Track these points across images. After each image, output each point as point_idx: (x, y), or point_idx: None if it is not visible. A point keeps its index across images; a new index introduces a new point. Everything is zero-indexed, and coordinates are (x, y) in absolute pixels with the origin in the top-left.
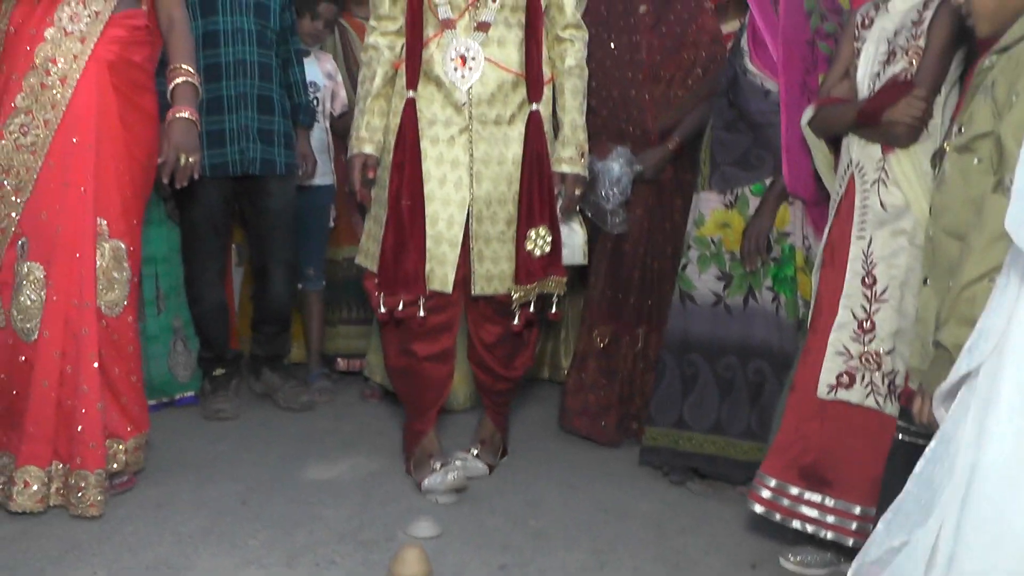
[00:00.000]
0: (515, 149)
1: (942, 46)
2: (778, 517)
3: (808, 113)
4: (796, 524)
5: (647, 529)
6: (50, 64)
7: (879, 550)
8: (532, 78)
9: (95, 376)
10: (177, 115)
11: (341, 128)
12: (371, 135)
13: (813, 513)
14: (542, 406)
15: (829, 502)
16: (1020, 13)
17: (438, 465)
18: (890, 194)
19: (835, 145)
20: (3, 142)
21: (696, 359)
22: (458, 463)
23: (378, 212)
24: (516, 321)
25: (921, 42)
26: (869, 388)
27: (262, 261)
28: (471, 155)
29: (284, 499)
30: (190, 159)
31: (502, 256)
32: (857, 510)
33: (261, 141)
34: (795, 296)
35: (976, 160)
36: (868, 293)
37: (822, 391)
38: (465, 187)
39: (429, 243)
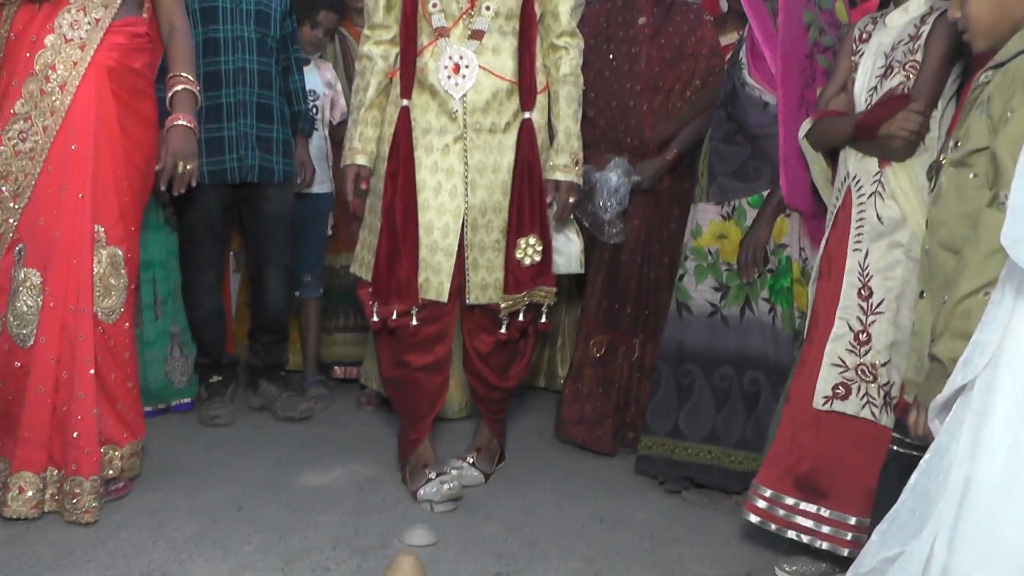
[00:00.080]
0: (510, 157)
1: (939, 61)
2: (773, 527)
3: (806, 126)
4: (791, 534)
5: (642, 538)
6: (50, 70)
7: (873, 560)
8: (525, 86)
9: (91, 382)
10: (175, 122)
11: (340, 136)
12: (364, 146)
13: (808, 523)
14: (538, 415)
15: (824, 512)
16: (1015, 29)
17: (433, 474)
18: (886, 207)
19: (832, 158)
20: (2, 148)
21: (692, 369)
22: (454, 472)
23: (373, 221)
24: (504, 330)
25: (918, 56)
26: (865, 399)
27: (259, 266)
28: (466, 164)
29: (279, 505)
30: (188, 166)
31: (497, 265)
32: (852, 520)
33: (260, 149)
34: (791, 308)
35: (972, 175)
36: (864, 305)
37: (818, 402)
38: (460, 196)
39: (424, 252)
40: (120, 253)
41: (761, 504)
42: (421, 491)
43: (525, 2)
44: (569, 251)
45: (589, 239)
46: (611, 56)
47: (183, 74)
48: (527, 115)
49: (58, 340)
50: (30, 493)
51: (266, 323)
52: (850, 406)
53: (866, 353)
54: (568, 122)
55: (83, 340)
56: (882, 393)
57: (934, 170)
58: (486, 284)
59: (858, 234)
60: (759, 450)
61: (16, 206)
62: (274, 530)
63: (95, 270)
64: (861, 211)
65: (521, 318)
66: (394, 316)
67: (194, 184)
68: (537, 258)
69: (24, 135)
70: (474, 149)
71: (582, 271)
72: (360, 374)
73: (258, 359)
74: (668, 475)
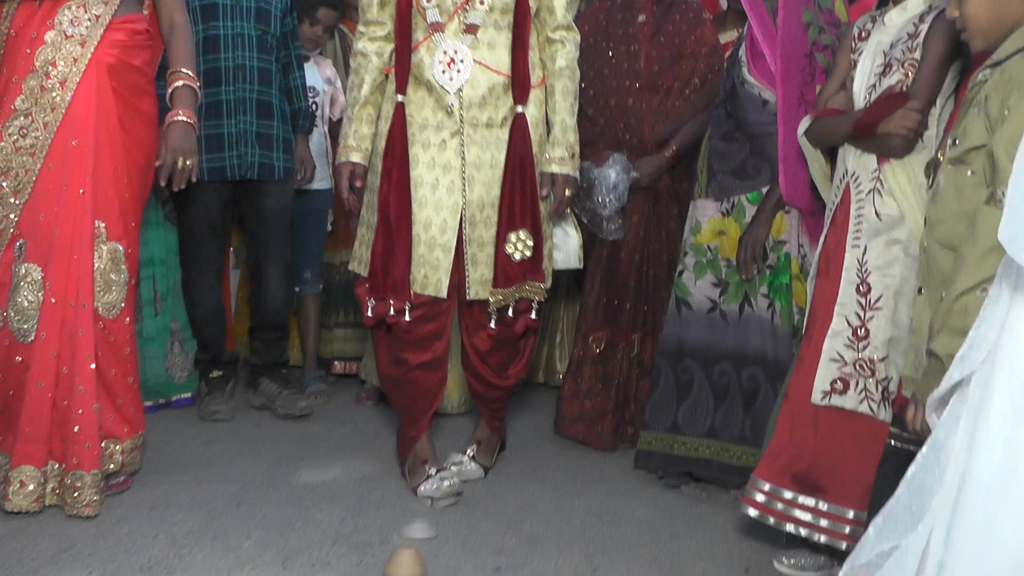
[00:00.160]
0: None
1: (938, 59)
2: (772, 521)
3: (804, 123)
4: (790, 528)
5: (640, 533)
6: (50, 67)
7: (869, 554)
8: (517, 80)
9: (91, 377)
10: (175, 118)
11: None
12: (359, 143)
13: (807, 517)
14: (537, 411)
15: (823, 506)
16: (1013, 28)
17: (433, 471)
18: (885, 204)
19: (831, 155)
20: (2, 144)
21: (691, 365)
22: (453, 468)
23: (371, 218)
24: (492, 325)
25: (917, 55)
26: (863, 394)
27: (259, 263)
28: (463, 159)
29: (278, 501)
30: (188, 162)
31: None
32: (850, 514)
33: (259, 146)
34: (790, 304)
35: (969, 173)
36: (862, 301)
37: (816, 397)
38: (458, 191)
39: (422, 249)
40: (120, 249)
41: (760, 498)
42: (421, 487)
43: None
44: (568, 247)
45: (588, 236)
46: (610, 54)
47: (183, 70)
48: (519, 109)
49: (58, 335)
50: (31, 487)
51: (266, 319)
52: (848, 401)
53: (864, 349)
54: (564, 115)
55: (83, 335)
56: (880, 388)
57: (932, 168)
58: (486, 280)
59: (856, 231)
60: (758, 445)
61: (17, 202)
62: (274, 526)
63: (96, 266)
64: (859, 208)
65: (511, 314)
66: (391, 312)
67: (194, 180)
68: (528, 253)
69: (25, 131)
70: (471, 144)
71: (581, 267)
72: (360, 370)
73: (258, 357)
74: (667, 470)
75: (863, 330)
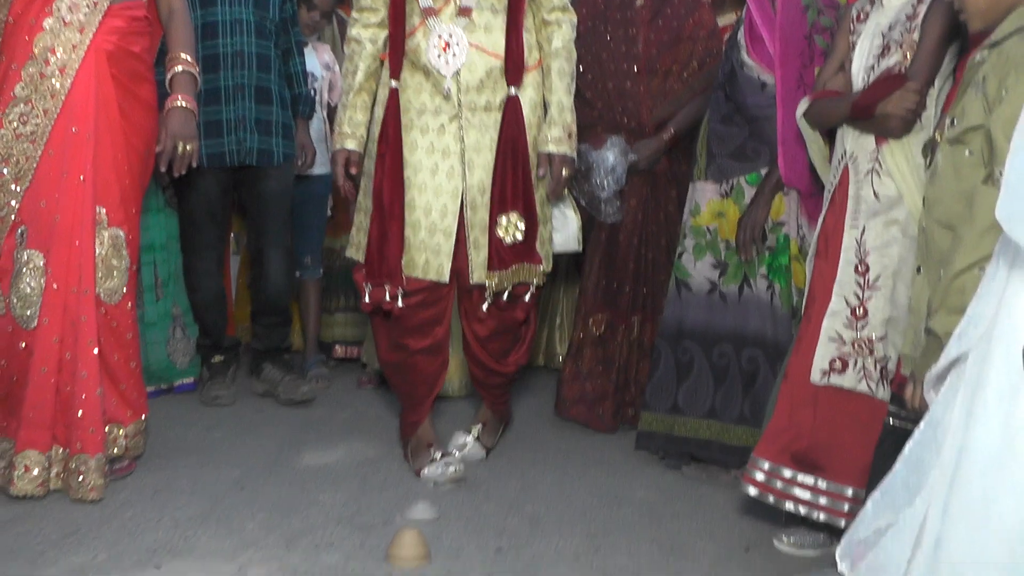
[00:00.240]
0: None
1: (936, 40)
2: (772, 499)
3: (803, 105)
4: (789, 506)
5: (641, 514)
6: (49, 54)
7: (867, 530)
8: (511, 62)
9: (94, 362)
10: (175, 104)
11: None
12: (353, 130)
13: (806, 495)
14: (537, 393)
15: (822, 484)
16: (1011, 9)
17: (438, 455)
18: (883, 185)
19: (830, 137)
20: (2, 131)
21: (691, 346)
22: (457, 452)
23: (367, 204)
24: (484, 308)
25: (915, 36)
26: (861, 373)
27: (259, 247)
28: (462, 143)
29: (281, 484)
30: (188, 147)
31: None
32: (849, 492)
33: (259, 131)
34: (789, 285)
35: (967, 153)
36: (861, 281)
37: (815, 376)
38: (458, 176)
39: (423, 234)
40: (122, 234)
41: (759, 477)
42: (425, 470)
43: None
44: (567, 229)
45: (587, 219)
46: (608, 38)
47: (182, 56)
48: (513, 91)
49: (61, 321)
50: (36, 472)
51: (267, 304)
52: (847, 380)
53: (863, 328)
54: (560, 95)
55: (86, 321)
56: (878, 367)
57: (929, 148)
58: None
59: (855, 212)
60: (757, 425)
61: (18, 189)
62: (277, 508)
63: (97, 251)
64: (858, 189)
65: (506, 298)
66: (387, 298)
67: (195, 166)
68: (519, 236)
69: (25, 118)
70: (469, 128)
71: (580, 249)
72: (361, 354)
73: (261, 342)
74: (668, 451)
75: (861, 310)
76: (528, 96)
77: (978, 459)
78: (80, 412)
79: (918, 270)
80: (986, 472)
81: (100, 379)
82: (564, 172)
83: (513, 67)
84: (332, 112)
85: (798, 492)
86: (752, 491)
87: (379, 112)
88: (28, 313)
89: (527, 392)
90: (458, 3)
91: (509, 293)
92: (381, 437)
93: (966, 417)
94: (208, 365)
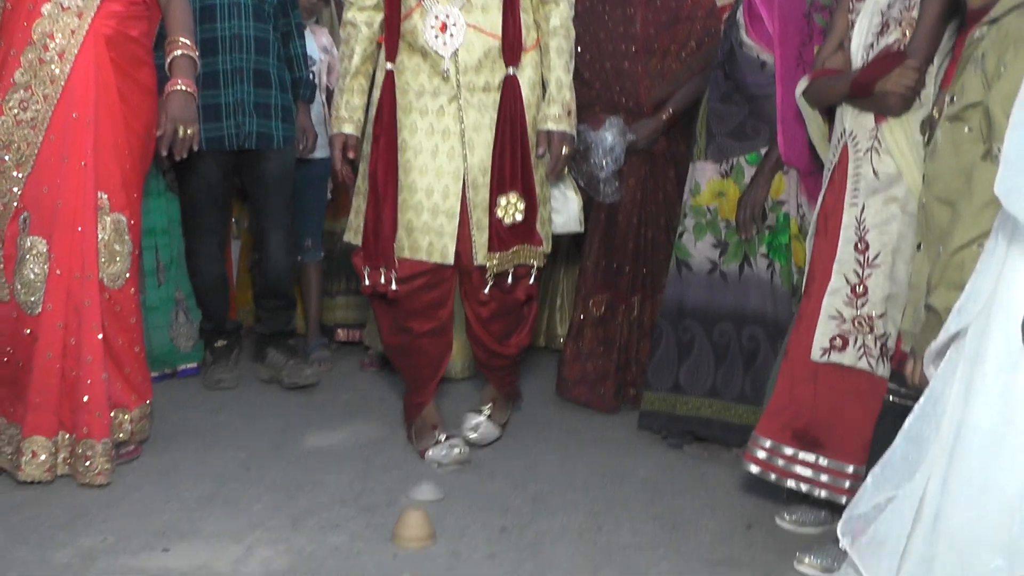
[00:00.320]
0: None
1: (935, 17)
2: (773, 477)
3: (802, 84)
4: (791, 484)
5: (644, 492)
6: (48, 39)
7: (867, 505)
8: (508, 42)
9: (98, 347)
10: (175, 87)
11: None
12: (350, 114)
13: (807, 473)
14: (539, 374)
15: (823, 461)
16: None
17: (443, 437)
18: (882, 162)
19: (829, 115)
20: (3, 118)
21: (692, 325)
22: (472, 435)
23: (366, 187)
24: (487, 291)
25: (914, 13)
26: (862, 351)
27: (261, 228)
28: (462, 124)
29: (286, 466)
30: (188, 131)
31: None
32: (850, 469)
33: (257, 115)
34: (790, 264)
35: (967, 129)
36: (861, 259)
37: (815, 354)
38: (458, 157)
39: (426, 216)
40: (124, 219)
41: (761, 455)
42: (430, 452)
43: None
44: (568, 209)
45: (586, 199)
46: (606, 18)
47: (182, 39)
48: (511, 71)
49: (64, 306)
50: (43, 457)
51: (270, 286)
52: (847, 357)
53: (863, 306)
54: (559, 73)
55: (89, 306)
56: (878, 344)
57: (927, 125)
58: None
59: (854, 190)
60: (758, 404)
61: (19, 175)
62: (282, 490)
63: (99, 237)
64: (857, 167)
65: (510, 280)
66: (382, 281)
67: (195, 149)
68: (519, 217)
69: (25, 104)
70: (469, 108)
71: (582, 230)
72: (363, 336)
73: (264, 327)
74: (670, 430)
75: (861, 287)
76: (527, 76)
77: (977, 433)
78: (86, 397)
79: (918, 247)
80: (985, 446)
81: (105, 364)
82: (564, 150)
83: (511, 47)
84: (330, 95)
85: (799, 470)
86: (754, 469)
87: (376, 95)
88: (32, 299)
89: (529, 373)
90: None
91: (511, 274)
92: (384, 419)
93: (965, 391)
94: (211, 349)
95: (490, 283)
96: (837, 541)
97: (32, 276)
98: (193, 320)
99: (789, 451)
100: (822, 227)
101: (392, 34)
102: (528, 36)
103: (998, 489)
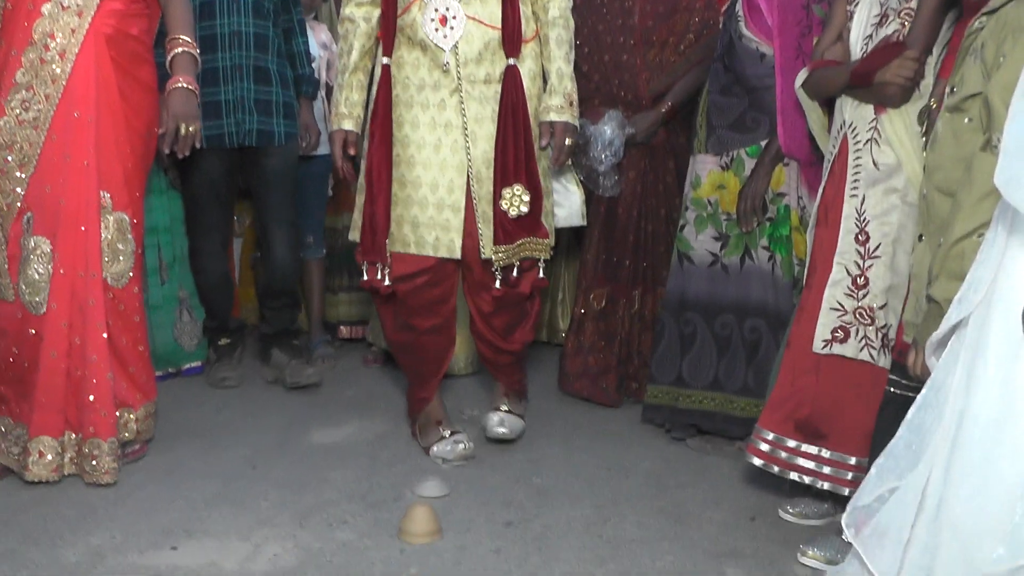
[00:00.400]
0: None
1: (933, 8)
2: (776, 469)
3: (802, 76)
4: (794, 476)
5: (648, 485)
6: (48, 39)
7: (871, 496)
8: (507, 33)
9: (103, 346)
10: (176, 85)
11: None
12: (350, 110)
13: (810, 465)
14: (541, 368)
15: (825, 453)
16: None
17: (448, 433)
18: (882, 153)
19: (829, 107)
20: (5, 118)
21: (694, 318)
22: (501, 431)
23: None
24: (497, 285)
25: (913, 4)
26: (863, 342)
27: (264, 225)
28: (464, 116)
29: (292, 463)
30: (190, 128)
31: None
32: (853, 461)
33: (258, 112)
34: (791, 255)
35: (967, 120)
36: (861, 250)
37: (817, 346)
38: (461, 150)
39: (431, 211)
40: (126, 218)
41: (764, 447)
42: (435, 448)
43: None
44: (570, 203)
45: (586, 193)
46: (604, 10)
47: (182, 37)
48: (511, 62)
49: (69, 306)
50: (49, 457)
51: (274, 283)
52: (849, 349)
53: (864, 297)
54: (560, 63)
55: (94, 305)
56: (879, 335)
57: (926, 115)
58: None
59: (855, 181)
60: (761, 396)
61: (23, 175)
62: (288, 487)
63: (103, 236)
64: (857, 158)
65: (516, 274)
66: (377, 277)
67: (198, 146)
68: (524, 209)
69: (27, 104)
70: (470, 101)
71: (584, 223)
72: (367, 333)
73: (269, 326)
74: (673, 423)
75: (862, 278)
76: (527, 67)
77: (978, 422)
78: (91, 396)
79: (919, 237)
80: (986, 434)
81: (110, 363)
82: (567, 140)
83: (511, 38)
84: (330, 92)
85: (802, 462)
86: (757, 461)
87: (375, 90)
88: (37, 299)
89: (531, 367)
90: None
91: (518, 268)
92: (388, 414)
93: (967, 380)
94: (215, 347)
95: (499, 277)
96: (840, 533)
97: (36, 276)
98: (197, 318)
99: (792, 443)
100: (823, 218)
101: (389, 29)
102: (527, 27)
103: (999, 478)
